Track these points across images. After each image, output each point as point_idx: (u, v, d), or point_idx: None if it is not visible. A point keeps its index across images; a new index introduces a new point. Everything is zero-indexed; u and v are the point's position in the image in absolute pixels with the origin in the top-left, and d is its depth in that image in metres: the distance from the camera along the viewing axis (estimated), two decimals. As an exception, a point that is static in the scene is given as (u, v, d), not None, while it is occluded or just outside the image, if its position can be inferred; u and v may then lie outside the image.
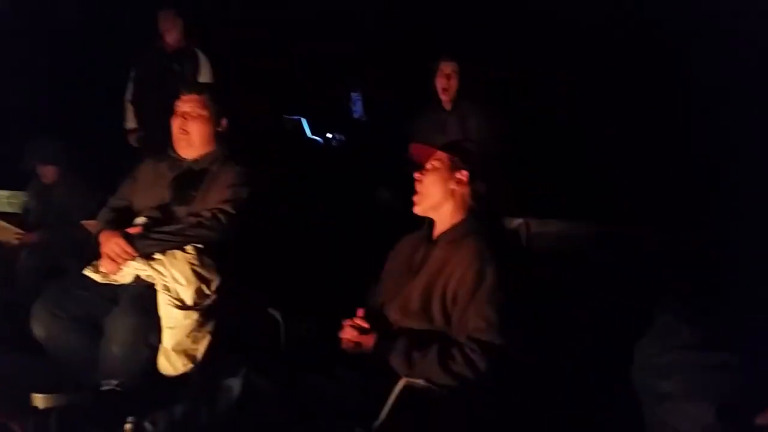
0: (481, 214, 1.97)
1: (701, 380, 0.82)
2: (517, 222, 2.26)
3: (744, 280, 0.98)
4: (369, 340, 1.84)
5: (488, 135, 3.21)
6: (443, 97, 3.48)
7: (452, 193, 1.95)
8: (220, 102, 2.63)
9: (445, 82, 3.45)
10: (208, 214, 2.40)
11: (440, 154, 2.00)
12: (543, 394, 1.82)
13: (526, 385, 1.74)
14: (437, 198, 1.96)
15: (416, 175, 2.00)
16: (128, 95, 4.17)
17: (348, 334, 1.87)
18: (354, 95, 4.33)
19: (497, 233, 2.02)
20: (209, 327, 2.30)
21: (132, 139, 4.18)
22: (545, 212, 3.03)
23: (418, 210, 2.00)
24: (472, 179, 1.95)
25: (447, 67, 3.45)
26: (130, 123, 4.19)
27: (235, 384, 1.64)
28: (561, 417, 1.83)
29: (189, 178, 2.58)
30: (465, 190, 1.95)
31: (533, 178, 3.28)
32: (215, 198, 2.47)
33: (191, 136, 2.56)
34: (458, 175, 1.95)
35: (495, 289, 1.78)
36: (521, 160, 3.37)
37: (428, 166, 1.99)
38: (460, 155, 1.99)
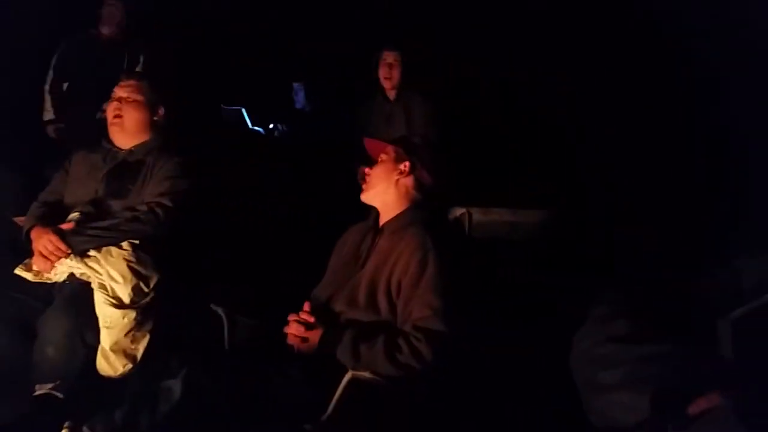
0: (424, 204, 2.00)
1: (637, 371, 0.84)
2: (459, 211, 2.28)
3: (682, 272, 1.01)
4: (315, 335, 1.82)
5: (432, 125, 3.22)
6: (386, 86, 3.48)
7: (396, 183, 2.00)
8: (157, 89, 2.55)
9: (387, 71, 3.46)
10: (144, 207, 2.33)
11: (387, 146, 2.06)
12: (486, 382, 1.85)
13: (470, 373, 1.77)
14: (382, 187, 2.01)
15: (366, 170, 2.05)
16: (47, 85, 3.92)
17: (293, 329, 1.85)
18: (296, 85, 4.26)
19: (440, 223, 2.04)
20: (149, 326, 2.24)
21: (50, 131, 3.93)
22: (489, 201, 3.07)
23: (364, 197, 2.04)
24: (413, 169, 1.99)
25: (389, 56, 3.46)
26: (48, 114, 3.94)
27: (175, 385, 1.60)
28: (505, 404, 1.86)
29: (124, 170, 2.49)
30: (408, 181, 2.00)
31: (477, 167, 3.32)
32: (152, 191, 2.40)
33: (125, 122, 2.48)
34: (401, 167, 2.00)
35: (438, 278, 1.80)
36: (465, 149, 3.41)
37: (378, 159, 2.05)
38: (404, 146, 2.04)
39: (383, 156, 2.05)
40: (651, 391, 0.80)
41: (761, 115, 2.75)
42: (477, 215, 2.89)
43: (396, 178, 1.99)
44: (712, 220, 2.48)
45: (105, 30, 3.74)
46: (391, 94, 3.47)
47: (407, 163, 2.00)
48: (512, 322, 2.12)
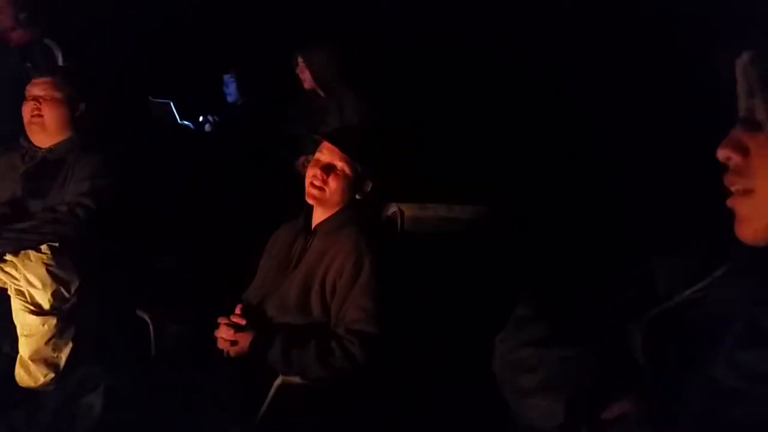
0: (358, 203, 1.97)
1: (554, 375, 0.86)
2: (391, 209, 2.28)
3: (596, 273, 1.04)
4: (246, 338, 1.78)
5: (365, 120, 3.19)
6: (305, 86, 3.43)
7: (353, 199, 1.93)
8: (75, 85, 2.44)
9: (301, 73, 3.42)
10: (64, 208, 2.25)
11: (353, 161, 1.89)
12: (420, 384, 1.86)
13: (403, 375, 1.78)
14: (339, 200, 1.92)
15: (318, 172, 1.89)
16: None
17: (224, 332, 1.81)
18: (227, 78, 4.14)
19: (374, 222, 2.02)
20: (71, 333, 2.16)
21: None
22: (424, 197, 3.08)
23: (313, 202, 1.93)
24: (374, 189, 1.92)
25: (299, 60, 3.41)
26: None
27: (95, 400, 1.53)
28: (436, 407, 1.88)
29: (44, 170, 2.40)
30: (366, 197, 1.94)
31: (411, 162, 3.32)
32: (73, 191, 2.31)
33: (44, 120, 2.38)
34: (364, 184, 1.92)
35: (373, 281, 1.79)
36: (400, 143, 3.41)
37: (334, 163, 1.88)
38: (371, 163, 1.92)
39: (346, 168, 1.87)
40: (565, 396, 0.82)
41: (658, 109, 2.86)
42: (412, 211, 2.90)
43: (357, 197, 1.92)
44: (627, 219, 2.57)
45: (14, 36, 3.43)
46: (320, 92, 3.42)
47: (370, 184, 1.92)
48: (448, 322, 2.13)
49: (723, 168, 0.82)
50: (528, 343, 0.94)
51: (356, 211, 1.95)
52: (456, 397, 1.91)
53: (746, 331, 0.73)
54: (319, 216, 1.97)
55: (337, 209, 1.94)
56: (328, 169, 1.88)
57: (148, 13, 3.78)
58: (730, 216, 0.83)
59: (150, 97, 4.07)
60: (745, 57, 0.79)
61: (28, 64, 3.07)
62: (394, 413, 1.75)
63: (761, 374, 0.67)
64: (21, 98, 2.43)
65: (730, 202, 0.83)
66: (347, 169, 1.88)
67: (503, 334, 1.01)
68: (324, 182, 1.88)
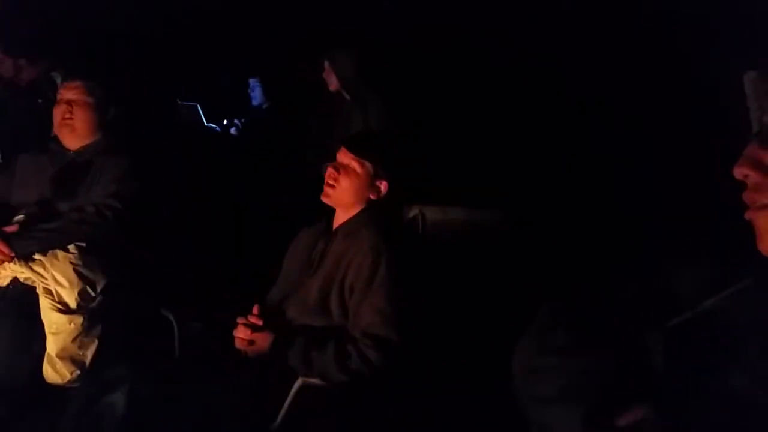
0: (379, 206, 1.97)
1: (572, 384, 0.85)
2: (413, 212, 2.28)
3: (619, 281, 1.02)
4: (265, 339, 1.79)
5: (389, 125, 3.20)
6: (332, 90, 3.45)
7: (368, 199, 1.93)
8: (106, 89, 2.49)
9: (327, 77, 3.43)
10: (91, 209, 2.28)
11: (363, 160, 1.91)
12: (438, 389, 1.85)
13: (421, 379, 1.77)
14: (351, 200, 1.93)
15: (330, 170, 1.92)
16: None
17: (242, 332, 1.81)
18: (252, 81, 4.18)
19: (394, 224, 2.02)
20: (97, 331, 2.19)
21: None
22: (446, 199, 3.06)
23: (327, 200, 1.96)
24: (391, 189, 1.92)
25: (325, 63, 3.42)
26: None
27: (118, 400, 1.55)
28: (454, 410, 1.87)
29: (72, 172, 2.44)
30: (382, 197, 1.94)
31: (435, 165, 3.31)
32: (100, 192, 2.34)
33: (75, 123, 2.43)
34: (378, 184, 1.93)
35: (390, 282, 1.78)
36: (422, 147, 3.40)
37: (346, 162, 1.91)
38: (383, 164, 1.92)
39: (357, 167, 1.90)
40: (584, 405, 0.81)
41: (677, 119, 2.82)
42: (434, 214, 2.89)
43: (371, 196, 1.92)
44: (649, 227, 2.52)
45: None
46: (345, 95, 3.43)
47: (385, 183, 1.91)
48: (469, 326, 2.11)
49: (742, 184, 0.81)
50: (547, 350, 0.93)
51: (376, 212, 1.95)
52: (473, 402, 1.89)
53: (766, 344, 0.72)
54: (339, 218, 1.98)
55: (357, 211, 1.95)
56: (340, 167, 1.91)
57: (175, 17, 3.84)
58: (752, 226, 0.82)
59: (178, 100, 4.14)
60: (751, 74, 0.78)
61: (40, 101, 3.13)
62: (413, 417, 1.74)
63: None
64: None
65: (749, 216, 0.81)
66: (358, 168, 1.89)
67: (523, 341, 1.01)
68: (335, 180, 1.90)
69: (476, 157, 3.54)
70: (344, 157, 1.92)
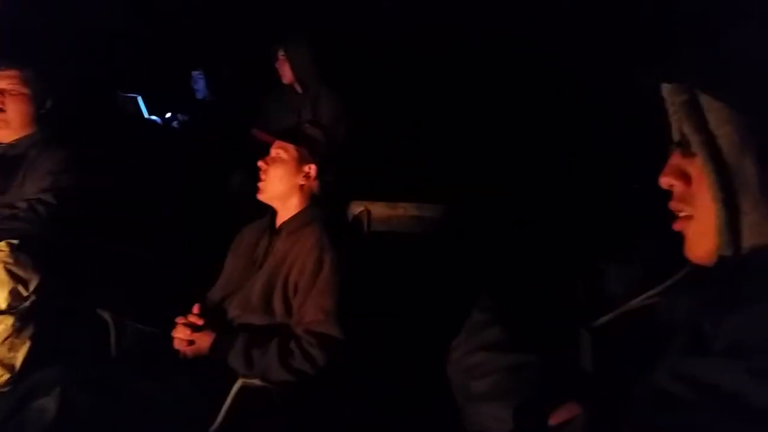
0: (322, 202, 1.96)
1: (505, 381, 0.85)
2: (358, 208, 2.27)
3: (551, 278, 1.04)
4: (205, 339, 1.76)
5: (340, 118, 3.18)
6: (284, 81, 3.40)
7: (299, 186, 1.92)
8: (43, 81, 2.38)
9: (280, 67, 3.38)
10: (24, 204, 2.19)
11: (287, 145, 1.93)
12: (381, 384, 1.85)
13: (364, 376, 1.76)
14: (283, 190, 1.92)
15: (260, 164, 1.93)
16: None
17: (181, 333, 1.78)
18: (196, 74, 4.08)
19: (338, 220, 2.01)
20: (29, 332, 2.09)
21: None
22: (394, 196, 3.07)
23: (262, 197, 1.95)
24: (320, 172, 1.92)
25: (277, 53, 3.37)
26: None
27: (49, 404, 1.48)
28: (398, 406, 1.87)
29: (4, 165, 2.33)
30: (312, 183, 1.93)
31: (384, 161, 3.32)
32: (33, 187, 2.25)
33: (8, 116, 2.31)
34: (306, 169, 1.92)
35: (333, 279, 1.77)
36: (374, 143, 3.40)
37: (273, 154, 1.93)
38: (308, 147, 1.93)
39: (282, 154, 1.91)
40: (515, 402, 0.81)
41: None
42: (382, 210, 2.89)
43: (300, 182, 1.91)
44: (582, 226, 2.59)
45: None
46: (297, 87, 3.39)
47: (313, 167, 1.91)
48: (411, 323, 2.12)
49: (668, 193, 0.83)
50: (481, 348, 0.93)
51: (320, 209, 1.94)
52: (418, 401, 1.90)
53: (690, 340, 0.74)
54: (282, 216, 1.96)
55: (299, 209, 1.93)
56: (269, 160, 1.92)
57: (119, 8, 3.72)
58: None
59: (119, 91, 4.00)
60: (666, 86, 0.80)
61: None
62: (356, 416, 1.73)
63: (704, 384, 0.67)
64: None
65: (677, 226, 0.84)
66: (283, 154, 1.90)
67: (458, 339, 1.01)
68: (265, 173, 1.91)
69: (426, 154, 3.56)
70: (272, 148, 1.92)
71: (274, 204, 1.97)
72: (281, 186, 1.91)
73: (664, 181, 0.83)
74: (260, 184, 1.93)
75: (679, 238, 0.85)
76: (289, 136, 1.97)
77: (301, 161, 1.92)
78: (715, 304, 0.76)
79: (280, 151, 1.92)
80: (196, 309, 1.82)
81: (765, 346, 0.66)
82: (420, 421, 1.80)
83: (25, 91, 2.33)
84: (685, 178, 0.81)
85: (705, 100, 0.76)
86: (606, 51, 3.20)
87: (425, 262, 2.48)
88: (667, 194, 0.85)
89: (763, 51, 0.75)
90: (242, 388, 1.58)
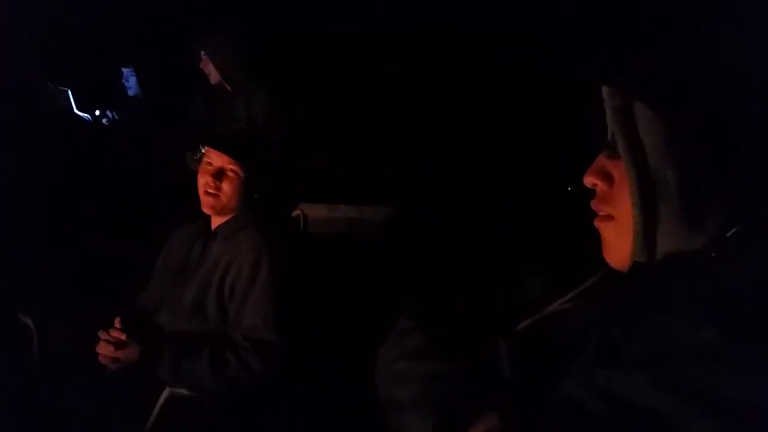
0: (257, 205, 1.92)
1: (426, 390, 0.85)
2: (294, 211, 2.24)
3: (471, 284, 1.05)
4: (130, 354, 1.68)
5: (271, 117, 3.13)
6: (211, 81, 3.33)
7: (252, 200, 1.87)
8: None
9: (204, 67, 3.31)
10: None
11: (242, 162, 1.82)
12: (320, 390, 1.83)
13: (303, 383, 1.75)
14: (237, 204, 1.85)
15: (209, 180, 1.81)
16: None
17: (104, 349, 1.69)
18: (126, 71, 3.94)
19: (274, 224, 1.98)
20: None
21: None
22: (331, 197, 3.05)
23: (210, 211, 1.85)
24: (255, 176, 1.86)
25: (201, 54, 3.29)
26: None
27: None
28: (332, 412, 1.86)
29: None
30: (266, 197, 1.89)
31: (320, 162, 3.29)
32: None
33: None
34: (262, 185, 1.87)
35: (271, 283, 1.75)
36: (306, 143, 3.37)
37: (228, 170, 1.81)
38: (257, 164, 1.85)
39: (235, 170, 1.80)
40: (434, 411, 0.81)
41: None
42: (321, 212, 2.87)
43: (255, 196, 1.86)
44: (504, 228, 2.64)
45: None
46: (227, 86, 3.31)
47: (266, 182, 1.87)
48: (349, 328, 2.11)
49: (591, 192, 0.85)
50: (404, 355, 0.93)
51: (256, 212, 1.90)
52: (351, 406, 1.90)
53: (600, 350, 0.75)
54: (218, 219, 1.91)
55: (236, 212, 1.89)
56: (220, 174, 1.81)
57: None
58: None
59: (48, 83, 3.83)
60: (606, 89, 0.82)
61: None
62: (289, 423, 1.71)
63: (613, 396, 0.67)
64: None
65: (596, 224, 0.85)
66: (239, 171, 1.82)
67: (384, 346, 1.01)
68: (218, 189, 1.81)
69: (364, 154, 3.56)
70: (220, 159, 1.81)
71: (216, 214, 1.89)
72: (236, 201, 1.84)
73: (588, 179, 0.84)
74: (211, 199, 1.82)
75: (598, 243, 0.86)
76: (243, 154, 1.83)
77: (259, 175, 1.86)
78: (625, 312, 0.78)
79: (234, 167, 1.81)
80: (117, 323, 1.72)
81: (672, 358, 0.67)
82: (353, 427, 1.80)
83: None
84: (609, 179, 0.83)
85: (638, 107, 0.77)
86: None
87: (362, 265, 2.48)
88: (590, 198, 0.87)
89: (698, 62, 0.77)
90: (170, 397, 1.54)
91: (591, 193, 0.87)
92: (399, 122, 3.77)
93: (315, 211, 2.65)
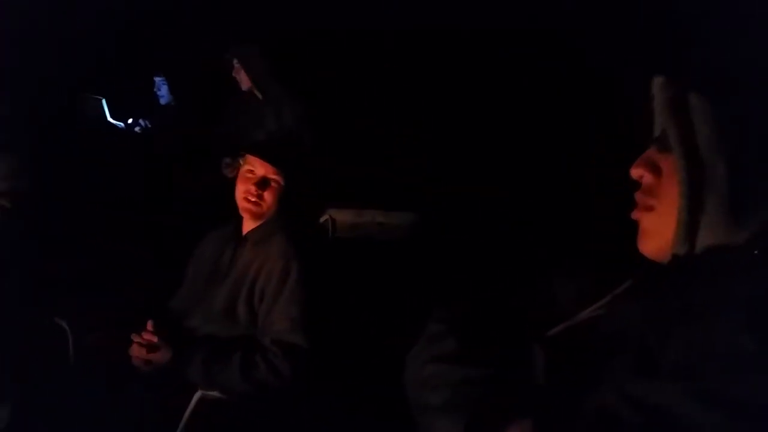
0: (288, 210, 1.93)
1: (458, 395, 0.85)
2: (323, 216, 2.25)
3: (504, 290, 1.04)
4: (162, 357, 1.72)
5: (303, 125, 3.16)
6: (242, 88, 3.37)
7: (284, 206, 1.88)
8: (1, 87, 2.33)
9: (236, 74, 3.35)
10: (-23, 210, 2.12)
11: (282, 171, 1.84)
12: (348, 393, 1.83)
13: (330, 385, 1.75)
14: (272, 211, 1.88)
15: (252, 189, 1.83)
16: None
17: (137, 352, 1.73)
18: (158, 80, 4.02)
19: (303, 229, 1.99)
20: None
21: None
22: (359, 202, 3.06)
23: (248, 215, 1.88)
24: (286, 182, 1.86)
25: (234, 62, 3.34)
26: None
27: (2, 413, 1.45)
28: (361, 414, 1.86)
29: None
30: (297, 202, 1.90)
31: (349, 167, 3.30)
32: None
33: None
34: (296, 190, 1.89)
35: (300, 288, 1.76)
36: (336, 149, 3.38)
37: (272, 179, 1.84)
38: (297, 173, 1.88)
39: (278, 179, 1.83)
40: (466, 415, 0.81)
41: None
42: (348, 217, 2.88)
43: (288, 203, 1.88)
44: (534, 236, 2.61)
45: None
46: (258, 93, 3.36)
47: (300, 189, 1.89)
48: (378, 332, 2.11)
49: (634, 185, 0.85)
50: (435, 359, 0.93)
51: (286, 218, 1.91)
52: (381, 411, 1.90)
53: (638, 357, 0.74)
54: (249, 224, 1.93)
55: (269, 218, 1.91)
56: (263, 184, 1.83)
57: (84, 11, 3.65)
58: (633, 233, 0.86)
59: (83, 92, 3.93)
60: (659, 80, 0.81)
61: None
62: (317, 426, 1.72)
63: (649, 406, 0.66)
64: None
65: (635, 215, 0.85)
66: (281, 180, 1.84)
67: (415, 349, 1.01)
68: (260, 197, 1.83)
69: (392, 159, 3.56)
70: (264, 168, 1.83)
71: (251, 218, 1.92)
72: (274, 209, 1.87)
73: (636, 171, 0.84)
74: (253, 207, 1.84)
75: (632, 246, 0.86)
76: (287, 164, 1.86)
77: (296, 184, 1.88)
78: (662, 315, 0.77)
79: (277, 177, 1.84)
80: (149, 326, 1.76)
81: (710, 366, 0.66)
82: (380, 431, 1.80)
83: None
84: (656, 171, 0.83)
85: (692, 98, 0.77)
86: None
87: (390, 270, 2.48)
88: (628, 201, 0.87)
89: (756, 57, 0.77)
90: (201, 400, 1.56)
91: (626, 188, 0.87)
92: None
93: (343, 215, 2.67)
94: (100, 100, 3.78)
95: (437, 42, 3.92)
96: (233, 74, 3.35)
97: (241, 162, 1.89)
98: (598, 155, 3.12)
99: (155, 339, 1.72)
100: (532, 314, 0.97)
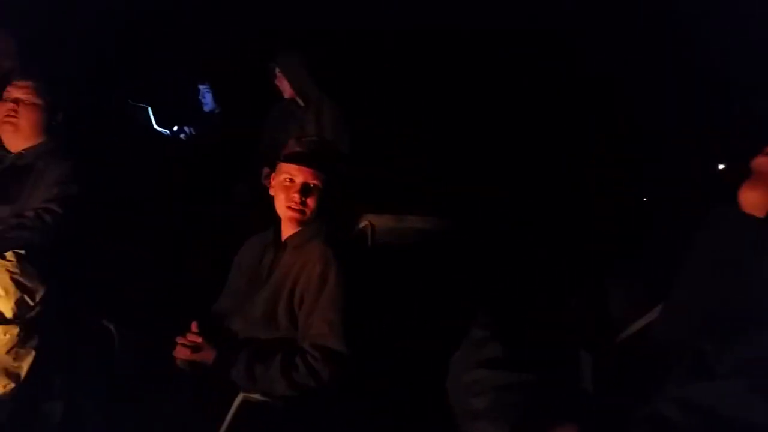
0: (329, 216, 1.95)
1: (502, 399, 0.85)
2: (362, 222, 2.26)
3: (552, 298, 1.03)
4: (206, 357, 1.75)
5: (342, 131, 3.19)
6: (285, 96, 3.42)
7: (323, 211, 1.90)
8: (57, 94, 2.41)
9: (279, 82, 3.40)
10: (31, 214, 2.20)
11: (323, 178, 1.86)
12: (385, 399, 1.84)
13: (368, 389, 1.76)
14: (316, 217, 1.90)
15: (297, 196, 1.84)
16: None
17: (181, 353, 1.77)
18: (202, 87, 4.11)
19: (342, 235, 2.01)
20: (33, 342, 2.09)
21: None
22: (400, 209, 3.06)
23: (293, 223, 1.91)
24: (326, 187, 1.89)
25: (276, 70, 3.38)
26: None
27: (55, 408, 1.49)
28: (401, 420, 1.86)
29: (12, 175, 2.36)
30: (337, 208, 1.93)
31: (384, 161, 3.31)
32: (41, 196, 2.26)
33: (19, 123, 2.34)
34: (335, 194, 1.91)
35: (338, 292, 1.77)
36: (377, 154, 3.40)
37: (313, 186, 1.86)
38: (339, 178, 1.91)
39: (319, 185, 1.85)
40: (511, 421, 0.80)
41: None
42: (387, 222, 2.88)
43: (327, 208, 1.90)
44: (587, 247, 2.57)
45: None
46: (299, 100, 3.40)
47: (339, 194, 1.91)
48: (417, 338, 2.11)
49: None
50: (480, 364, 0.93)
51: (326, 223, 1.93)
52: (421, 416, 1.89)
53: (694, 366, 0.73)
54: (288, 229, 1.95)
55: (308, 223, 1.93)
56: (305, 190, 1.85)
57: (129, 19, 3.76)
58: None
59: (129, 101, 4.04)
60: None
61: None
62: (359, 430, 1.72)
63: (706, 408, 0.65)
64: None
65: (757, 161, 0.84)
66: (321, 185, 1.86)
67: (458, 355, 1.00)
68: (303, 204, 1.85)
69: (431, 165, 3.55)
70: (304, 175, 1.85)
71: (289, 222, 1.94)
72: (317, 214, 1.89)
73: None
74: (297, 215, 1.87)
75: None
76: (329, 168, 1.89)
77: (335, 189, 1.91)
78: (722, 317, 0.75)
79: (318, 183, 1.86)
80: (194, 327, 1.81)
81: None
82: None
83: (39, 101, 2.37)
84: None
85: None
86: (606, 51, 3.21)
87: (430, 276, 2.47)
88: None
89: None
90: (244, 402, 1.58)
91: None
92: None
93: (383, 221, 2.67)
94: (146, 108, 3.89)
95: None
96: (276, 82, 3.40)
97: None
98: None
99: (199, 339, 1.76)
100: (582, 321, 0.95)
